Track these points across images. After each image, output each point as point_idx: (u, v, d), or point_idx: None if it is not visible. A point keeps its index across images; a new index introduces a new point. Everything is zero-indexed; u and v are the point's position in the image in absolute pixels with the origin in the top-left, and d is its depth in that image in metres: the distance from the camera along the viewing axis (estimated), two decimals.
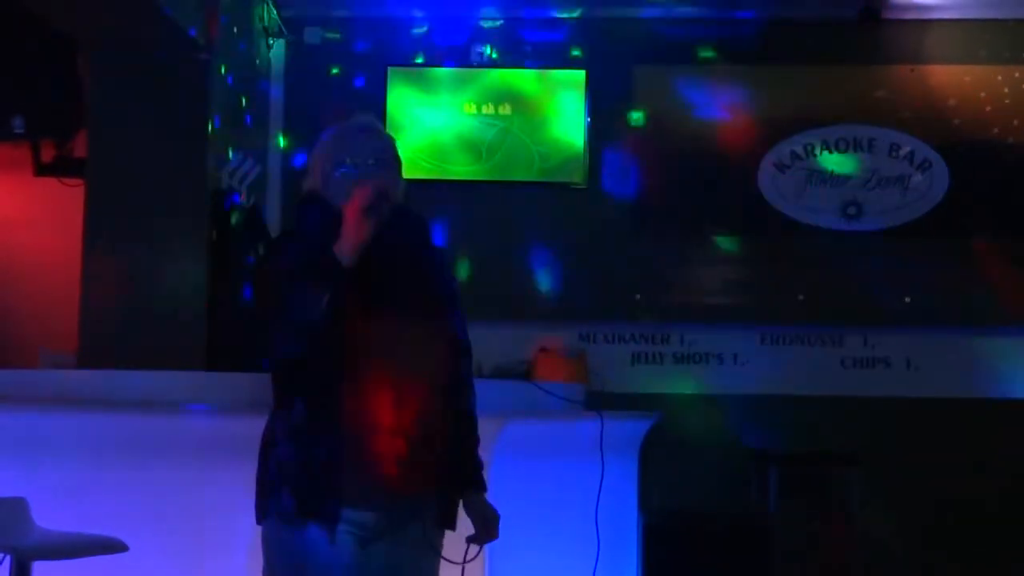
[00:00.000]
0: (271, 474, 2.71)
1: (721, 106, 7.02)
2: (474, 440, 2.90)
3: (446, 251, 3.05)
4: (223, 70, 6.23)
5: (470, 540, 2.85)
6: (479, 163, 7.00)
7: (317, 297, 2.62)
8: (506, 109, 7.01)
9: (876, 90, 6.97)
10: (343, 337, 2.68)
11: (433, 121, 6.99)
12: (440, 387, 2.81)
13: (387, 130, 3.00)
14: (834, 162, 6.95)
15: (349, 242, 2.65)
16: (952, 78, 6.93)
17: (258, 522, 2.75)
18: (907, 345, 6.84)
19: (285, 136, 7.11)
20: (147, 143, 6.00)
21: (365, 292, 2.70)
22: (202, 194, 6.03)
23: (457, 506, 2.86)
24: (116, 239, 5.99)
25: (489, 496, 2.93)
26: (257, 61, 6.92)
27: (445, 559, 2.84)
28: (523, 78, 7.03)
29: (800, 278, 6.89)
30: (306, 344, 2.66)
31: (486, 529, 2.86)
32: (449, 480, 2.82)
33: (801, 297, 6.87)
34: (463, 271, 6.83)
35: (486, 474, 2.94)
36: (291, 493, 2.66)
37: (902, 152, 6.92)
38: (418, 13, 7.11)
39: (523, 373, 6.49)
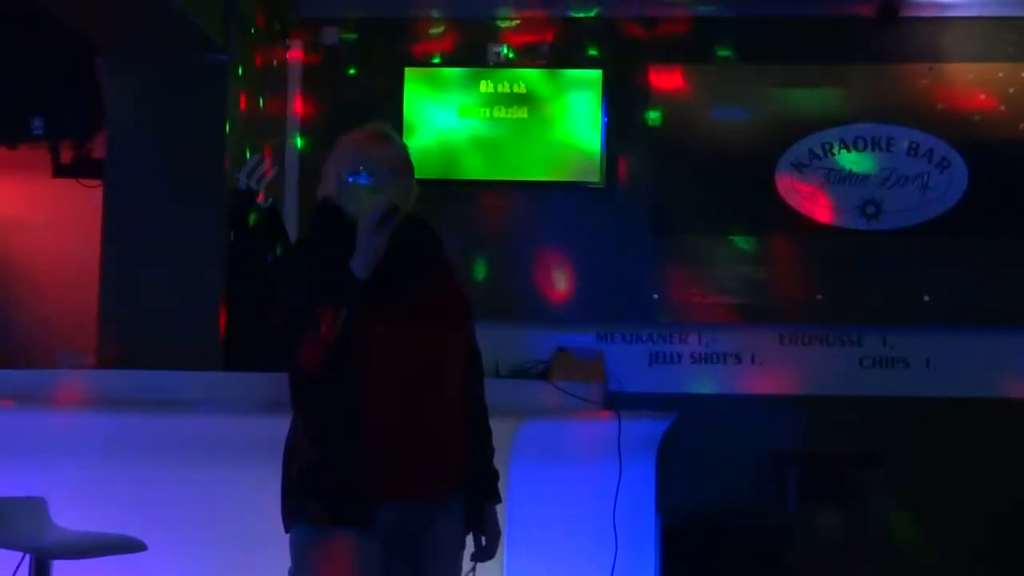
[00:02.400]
0: (297, 481, 2.74)
1: (738, 105, 7.00)
2: (490, 450, 2.93)
3: (457, 259, 3.05)
4: (240, 71, 6.24)
5: (474, 558, 2.90)
6: (496, 163, 6.99)
7: (335, 311, 2.63)
8: (523, 109, 7.00)
9: (894, 88, 6.94)
10: (362, 347, 2.69)
11: (450, 121, 6.98)
12: (458, 393, 2.84)
13: (403, 131, 3.04)
14: (852, 161, 6.92)
15: (364, 257, 2.68)
16: (971, 76, 6.90)
17: (286, 530, 2.77)
18: (926, 345, 6.81)
19: (302, 137, 7.12)
20: (165, 144, 6.01)
21: (382, 302, 2.72)
22: (220, 194, 6.04)
23: (480, 508, 2.89)
24: (134, 240, 6.00)
25: (506, 495, 2.95)
26: (274, 62, 6.93)
27: None
28: (540, 78, 7.02)
29: (818, 278, 6.86)
30: (324, 356, 2.67)
31: (490, 545, 2.89)
32: (469, 483, 2.85)
33: (819, 297, 6.85)
34: (480, 271, 6.83)
35: (503, 475, 2.96)
36: (319, 499, 2.69)
37: (921, 151, 6.89)
38: (435, 13, 7.11)
39: (541, 373, 6.49)
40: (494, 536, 2.91)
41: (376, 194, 2.77)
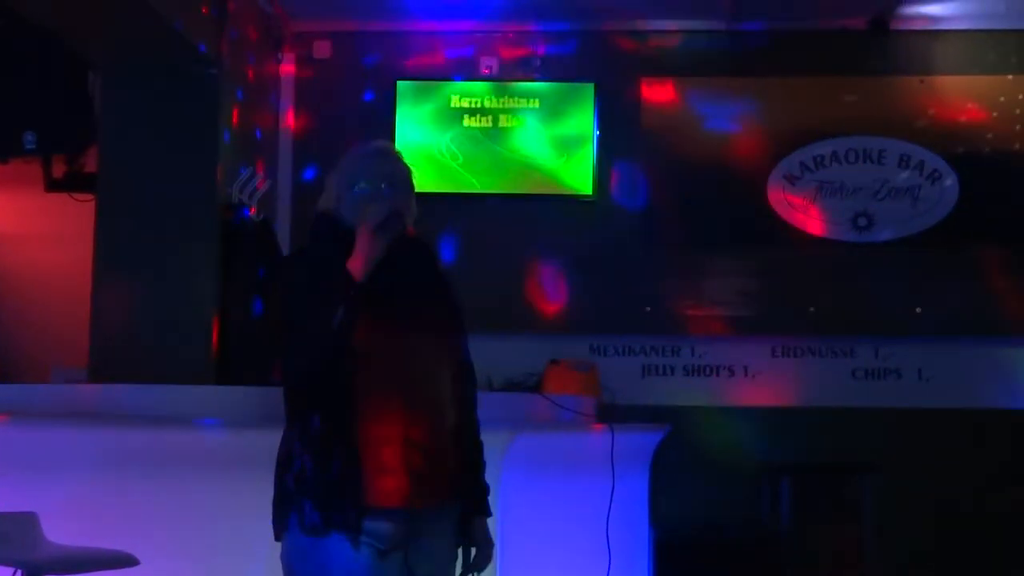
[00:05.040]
0: (290, 489, 2.74)
1: (730, 118, 7.02)
2: (481, 464, 2.94)
3: (451, 274, 3.07)
4: (233, 85, 6.25)
5: (467, 570, 2.89)
6: (489, 175, 7.00)
7: (330, 312, 2.66)
8: (516, 121, 7.02)
9: (886, 101, 6.96)
10: (357, 351, 2.71)
11: (443, 134, 7.00)
12: (450, 403, 2.85)
13: (396, 144, 3.05)
14: (844, 173, 6.94)
15: (361, 258, 2.70)
16: (961, 88, 6.92)
17: (277, 538, 2.77)
18: (918, 356, 6.82)
19: (295, 150, 7.12)
20: (157, 158, 6.01)
21: (377, 308, 2.74)
22: (212, 208, 6.04)
23: (469, 521, 2.90)
24: (126, 254, 6.00)
25: (499, 508, 2.96)
26: (266, 76, 6.94)
27: None
28: (533, 91, 7.04)
29: (811, 290, 6.88)
30: (320, 358, 2.69)
31: (482, 557, 2.90)
32: (462, 495, 2.86)
33: (812, 309, 6.86)
34: (473, 284, 6.82)
35: (495, 488, 2.97)
36: (312, 506, 2.70)
37: (912, 163, 6.91)
38: (427, 27, 7.12)
39: (533, 386, 6.48)
40: (485, 549, 2.92)
41: (376, 203, 2.79)
